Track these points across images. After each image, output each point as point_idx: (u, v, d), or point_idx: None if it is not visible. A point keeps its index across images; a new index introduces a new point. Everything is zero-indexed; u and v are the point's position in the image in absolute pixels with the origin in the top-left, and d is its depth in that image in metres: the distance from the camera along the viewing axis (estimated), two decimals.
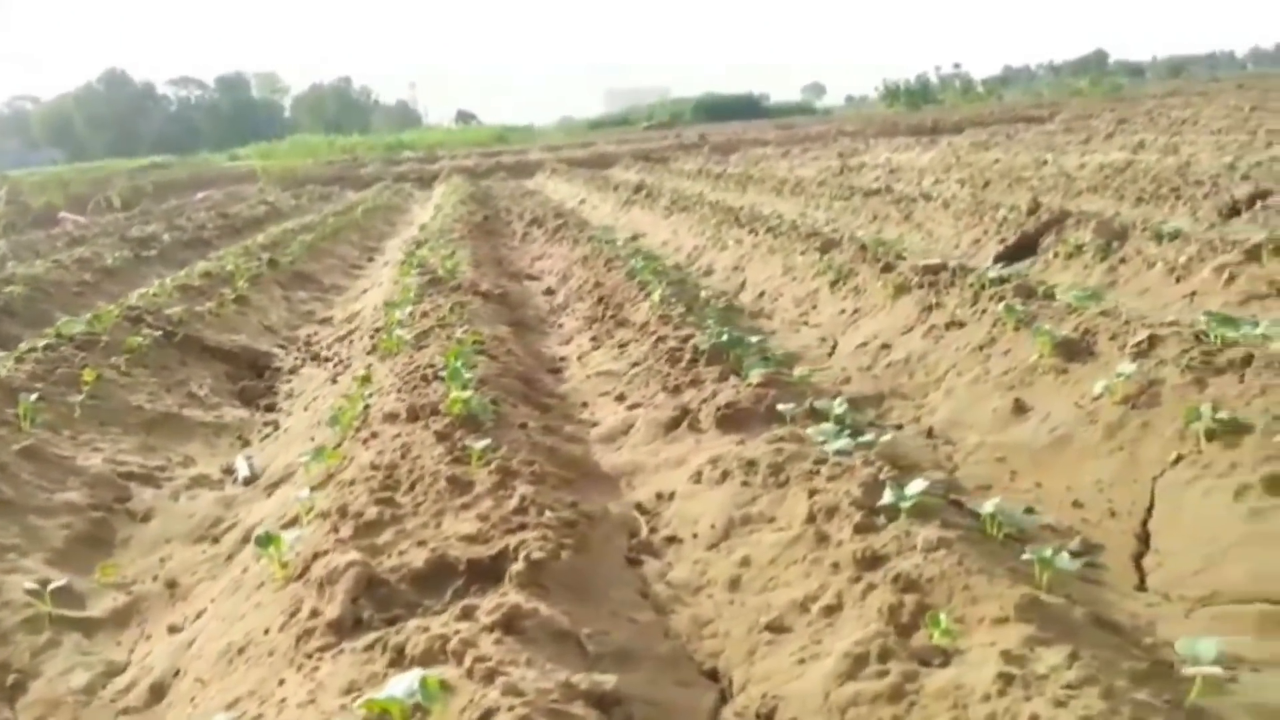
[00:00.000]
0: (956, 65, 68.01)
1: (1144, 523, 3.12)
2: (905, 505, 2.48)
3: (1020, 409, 4.03)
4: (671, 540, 2.76)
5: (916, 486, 2.53)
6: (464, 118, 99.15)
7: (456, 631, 1.84)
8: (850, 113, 64.04)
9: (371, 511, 2.61)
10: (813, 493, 2.67)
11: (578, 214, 14.97)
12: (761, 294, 7.58)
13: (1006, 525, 2.57)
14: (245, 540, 3.37)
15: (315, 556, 2.38)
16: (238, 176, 32.97)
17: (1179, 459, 3.24)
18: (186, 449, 4.65)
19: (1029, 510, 3.33)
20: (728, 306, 7.14)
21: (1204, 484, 3.06)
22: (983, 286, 5.22)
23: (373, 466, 2.96)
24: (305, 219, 14.85)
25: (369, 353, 4.97)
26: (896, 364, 5.08)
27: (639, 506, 3.04)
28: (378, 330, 5.57)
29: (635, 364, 4.59)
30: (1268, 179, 9.67)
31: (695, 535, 2.75)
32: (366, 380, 4.19)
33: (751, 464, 2.99)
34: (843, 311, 6.22)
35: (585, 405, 4.37)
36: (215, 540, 3.58)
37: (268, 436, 4.86)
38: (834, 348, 5.77)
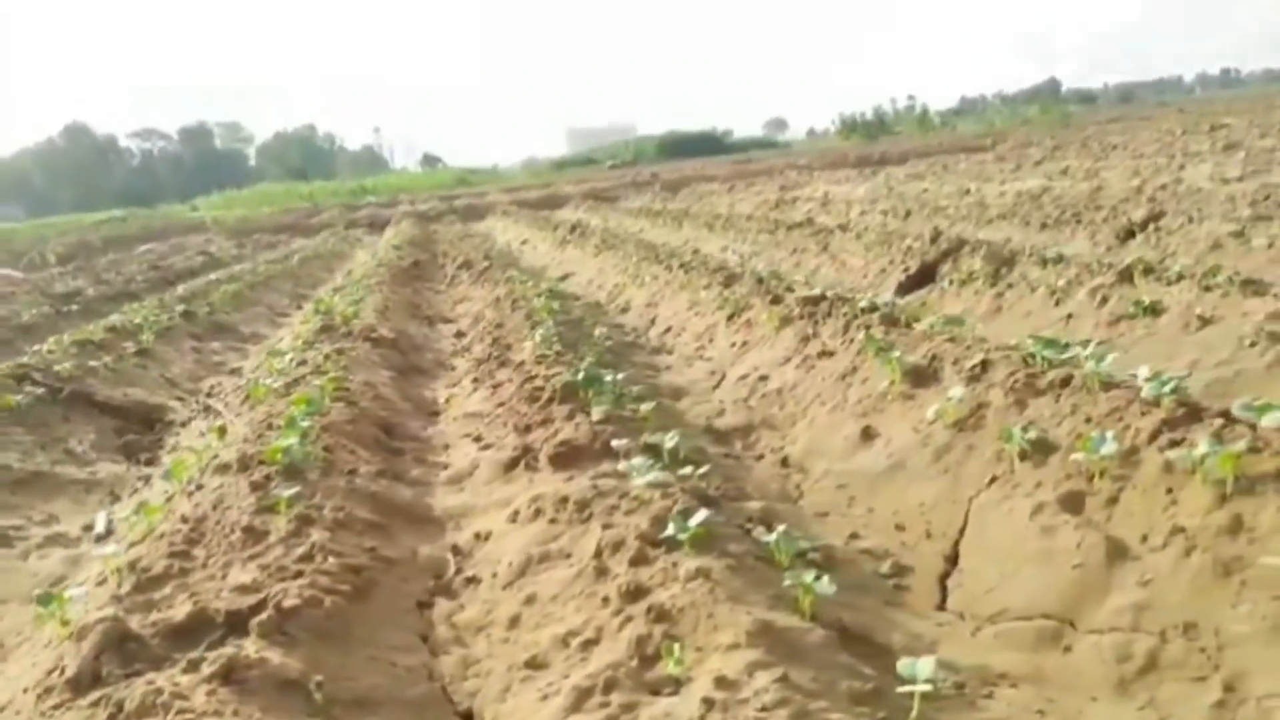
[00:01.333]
0: (910, 97, 69.10)
1: (955, 543, 3.17)
2: (684, 536, 2.51)
3: (868, 436, 4.10)
4: (471, 581, 2.77)
5: (698, 518, 2.57)
6: (429, 161, 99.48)
7: (175, 685, 1.84)
8: (807, 146, 65.06)
9: (160, 566, 2.60)
10: (606, 527, 2.70)
11: (516, 255, 15.06)
12: (668, 329, 7.65)
13: (788, 550, 2.60)
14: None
15: (86, 626, 2.36)
16: (189, 228, 32.86)
17: (993, 479, 3.31)
18: (52, 507, 4.60)
19: (853, 535, 3.40)
20: (631, 343, 7.21)
21: (1010, 503, 3.13)
22: (855, 316, 5.31)
23: (183, 519, 2.95)
24: (242, 268, 14.81)
25: (243, 402, 4.96)
26: (770, 395, 5.14)
27: (454, 548, 3.05)
28: (266, 378, 5.56)
29: (501, 404, 4.61)
30: (1171, 201, 9.95)
31: (494, 575, 2.76)
32: (222, 432, 4.18)
33: (564, 501, 3.02)
34: (734, 344, 6.29)
35: (447, 448, 4.38)
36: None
37: (137, 491, 4.81)
38: (720, 380, 5.83)
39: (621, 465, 3.05)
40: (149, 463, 5.40)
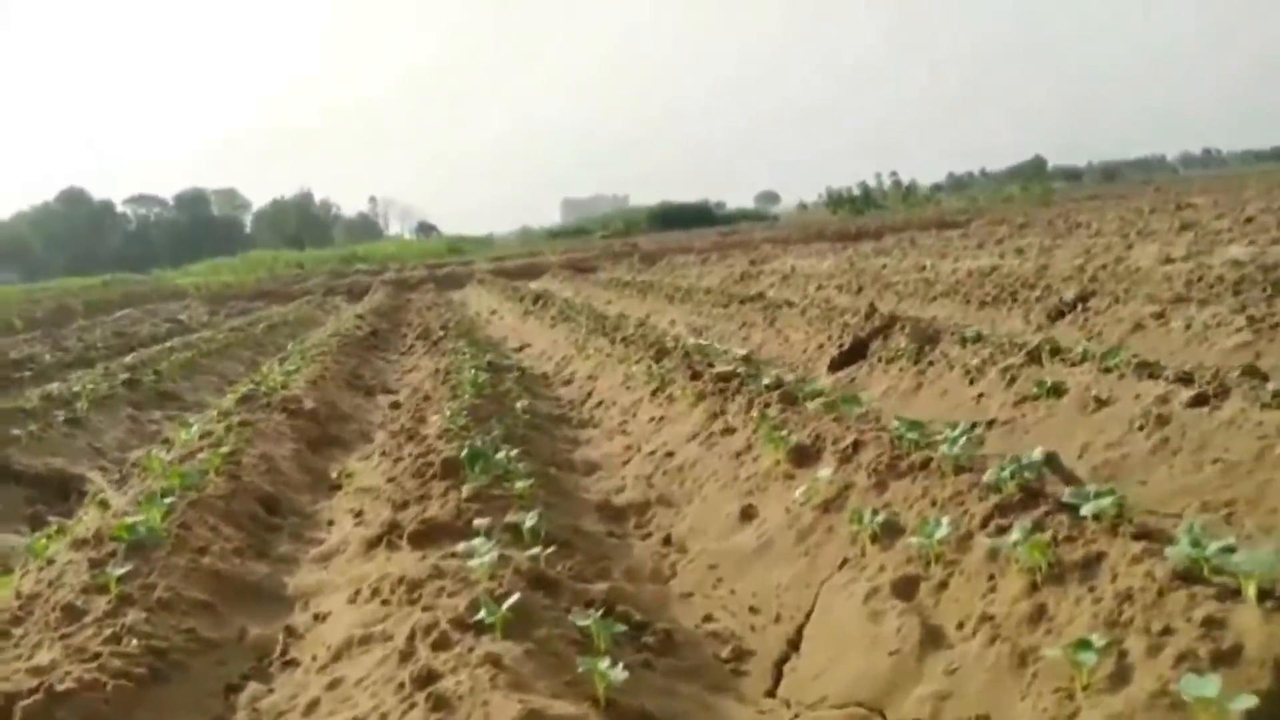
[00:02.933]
0: (893, 173, 70.36)
1: (800, 627, 3.16)
2: (492, 619, 2.51)
3: (748, 515, 4.11)
4: (290, 664, 2.75)
5: (511, 600, 2.56)
6: (425, 229, 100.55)
7: None
8: (794, 219, 66.02)
9: None
10: (426, 609, 2.69)
11: (482, 325, 15.17)
12: (600, 402, 7.68)
13: (604, 634, 2.59)
14: None
15: None
16: (171, 294, 32.97)
17: (844, 562, 3.32)
18: None
19: (707, 618, 3.38)
20: (560, 417, 7.24)
21: (854, 587, 3.13)
22: (759, 393, 5.36)
23: (17, 595, 2.93)
24: (205, 334, 14.86)
25: (140, 473, 4.95)
26: (673, 471, 5.15)
27: (289, 629, 3.03)
28: (169, 447, 5.56)
29: (391, 479, 4.61)
30: (1109, 280, 10.11)
31: (314, 657, 2.74)
32: (104, 506, 4.17)
33: (401, 581, 3.01)
34: (653, 419, 6.32)
35: (330, 524, 4.37)
36: None
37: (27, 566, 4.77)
38: (634, 454, 5.85)
39: (462, 545, 3.05)
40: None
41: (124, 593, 2.79)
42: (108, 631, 2.56)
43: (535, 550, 3.18)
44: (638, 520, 4.66)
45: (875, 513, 3.28)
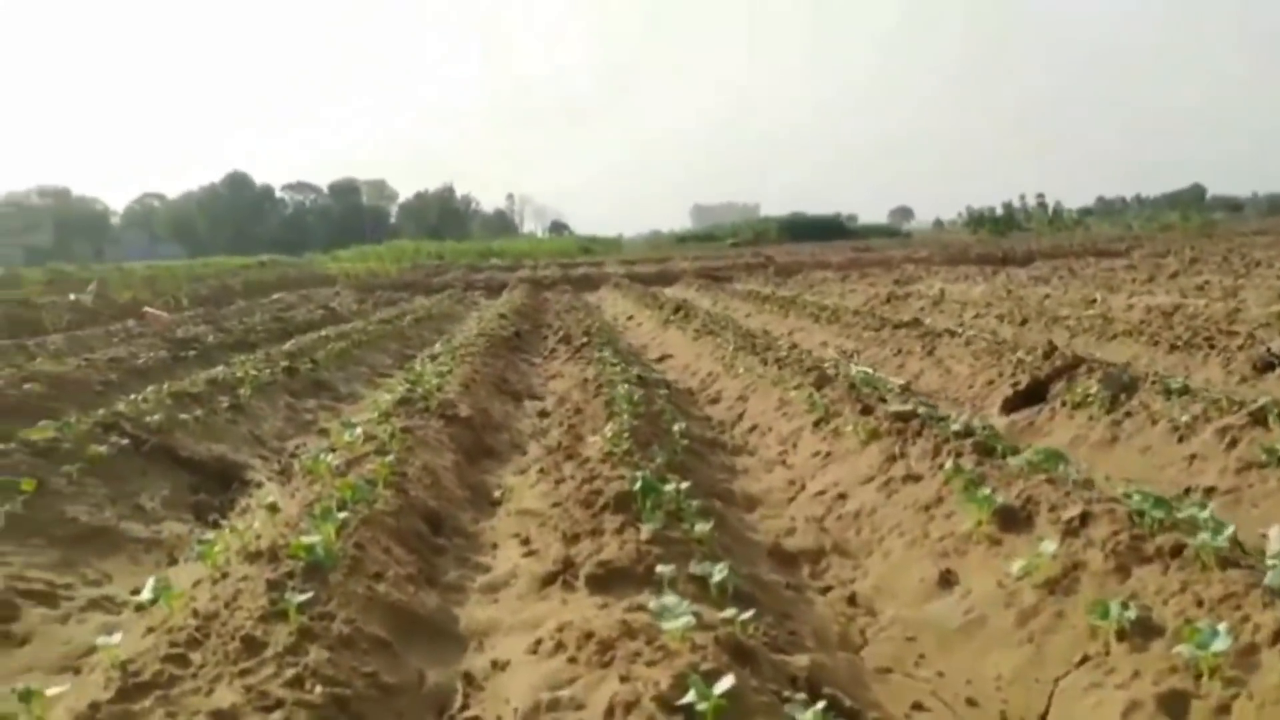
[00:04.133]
0: (1039, 195, 67.33)
1: None
2: (704, 707, 2.22)
3: (946, 582, 3.71)
4: None
5: (724, 685, 2.27)
6: (557, 228, 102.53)
7: None
8: (930, 237, 64.00)
9: (151, 670, 2.46)
10: (624, 680, 2.42)
11: (620, 331, 15.04)
12: (753, 428, 7.35)
13: None
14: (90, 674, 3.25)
15: None
16: (322, 279, 34.35)
17: (1084, 660, 2.89)
18: (107, 565, 4.60)
19: (917, 706, 3.01)
20: (712, 441, 6.94)
21: (1101, 693, 2.71)
22: (946, 439, 4.92)
23: (194, 614, 2.82)
24: (357, 324, 15.24)
25: (304, 475, 4.91)
26: (848, 516, 4.78)
27: (467, 676, 2.82)
28: (331, 449, 5.53)
29: (557, 504, 4.40)
30: None
31: (499, 718, 2.51)
32: (274, 510, 4.10)
33: (588, 637, 2.76)
34: (818, 453, 5.94)
35: (494, 548, 4.19)
36: (76, 672, 3.46)
37: (195, 557, 4.78)
38: (799, 491, 5.49)
39: (653, 604, 2.77)
40: (215, 524, 5.40)
41: (304, 626, 2.63)
42: (289, 672, 2.39)
43: (730, 612, 2.87)
44: (812, 570, 4.31)
45: (1125, 606, 2.84)
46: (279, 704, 2.23)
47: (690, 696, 2.26)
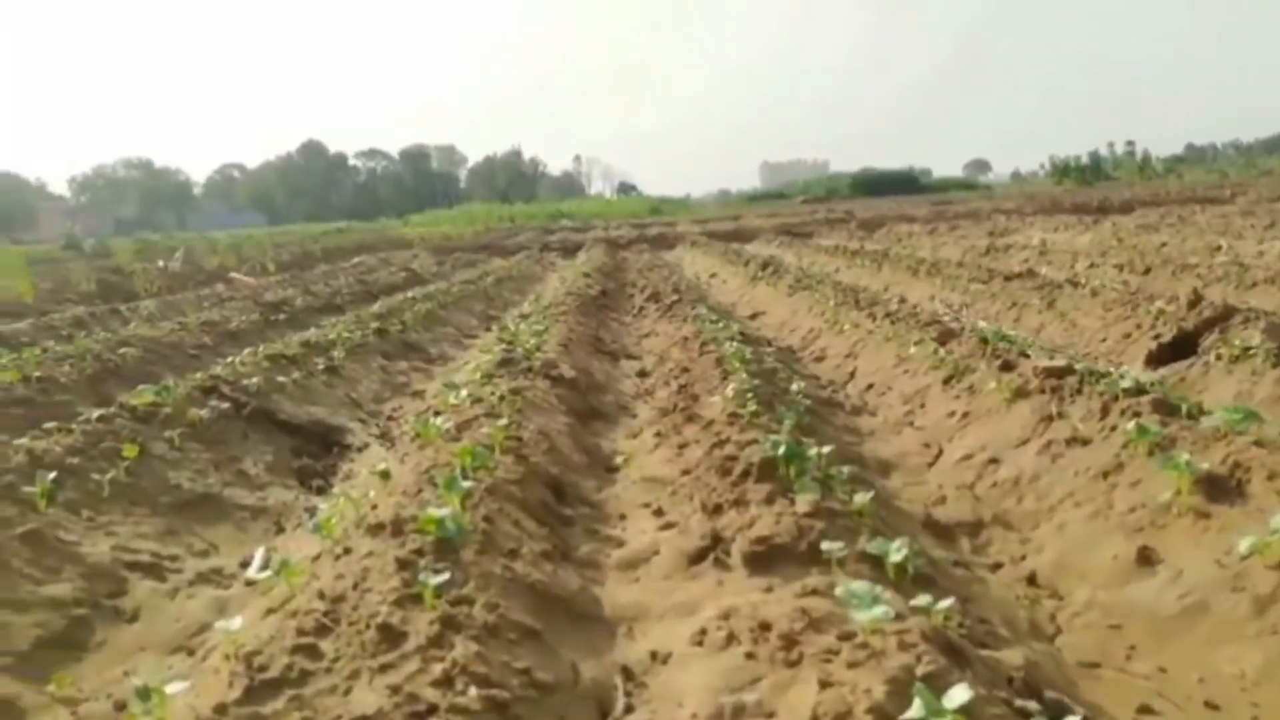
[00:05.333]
0: (1129, 143, 64.18)
1: None
2: None
3: (1146, 560, 3.24)
4: None
5: (959, 696, 1.88)
6: (624, 189, 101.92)
7: None
8: (1012, 189, 61.67)
9: (280, 663, 2.17)
10: (824, 684, 2.04)
11: (704, 289, 14.58)
12: (869, 386, 6.88)
13: None
14: (203, 657, 3.01)
15: None
16: (399, 243, 34.51)
17: None
18: (213, 535, 4.41)
19: (1144, 710, 2.57)
20: (827, 400, 6.49)
21: None
22: (1115, 398, 4.40)
23: (320, 596, 2.53)
24: (439, 285, 15.09)
25: (412, 440, 4.64)
26: (1004, 484, 4.32)
27: (625, 670, 2.48)
28: (435, 413, 5.25)
29: (686, 471, 4.03)
30: None
31: None
32: (385, 476, 3.82)
33: (765, 628, 2.39)
34: (952, 414, 5.46)
35: (621, 518, 3.84)
36: (190, 653, 3.24)
37: (300, 526, 4.56)
38: (937, 456, 5.04)
39: (840, 590, 2.38)
40: (320, 490, 5.20)
41: (447, 614, 2.31)
42: (436, 669, 2.08)
43: (923, 599, 2.47)
44: (972, 544, 3.88)
45: None
46: (431, 710, 1.91)
47: (916, 710, 1.87)
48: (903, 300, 9.45)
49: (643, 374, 7.52)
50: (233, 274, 19.72)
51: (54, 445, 4.46)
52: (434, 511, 2.81)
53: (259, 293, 14.28)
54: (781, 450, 3.60)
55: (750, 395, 4.90)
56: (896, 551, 2.79)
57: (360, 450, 6.00)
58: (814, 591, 2.57)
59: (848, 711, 1.93)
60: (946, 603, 2.45)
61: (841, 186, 67.41)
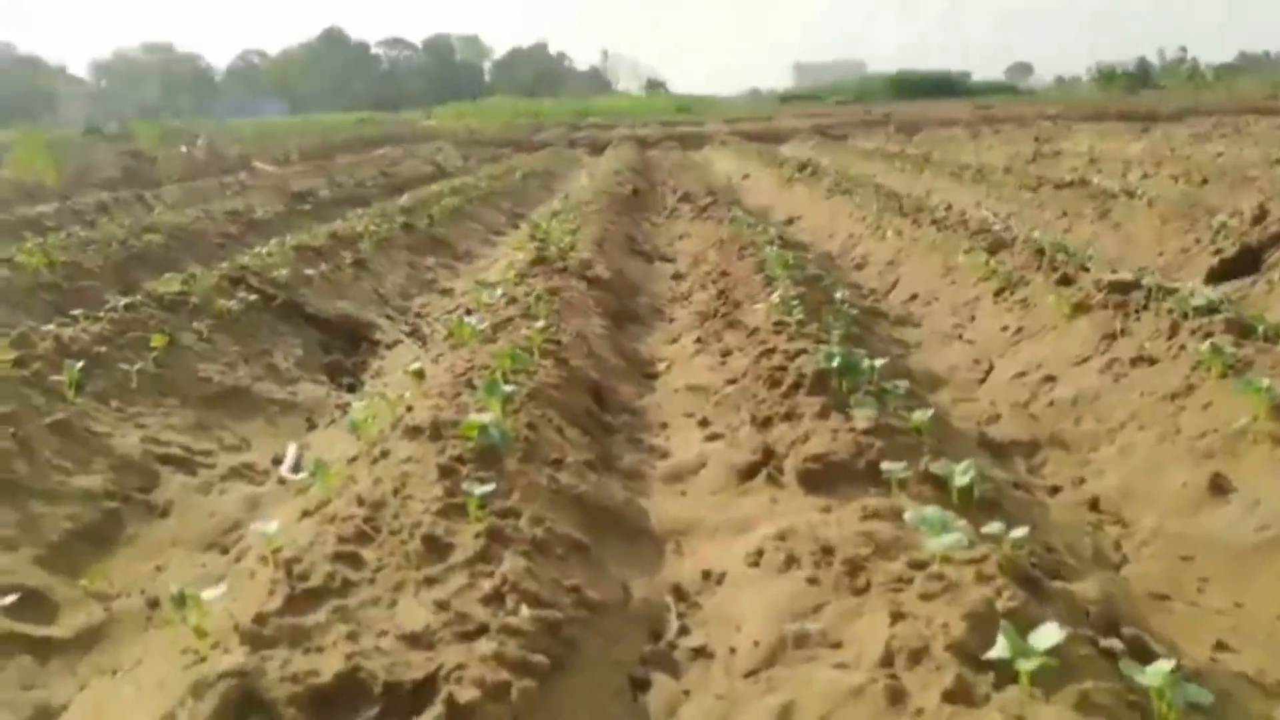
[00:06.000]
0: (1182, 49, 61.50)
1: None
2: (1028, 667, 1.70)
3: (1219, 488, 3.07)
4: (699, 654, 2.07)
5: (1049, 635, 1.74)
6: (652, 86, 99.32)
7: None
8: (1056, 95, 59.57)
9: (321, 572, 2.07)
10: (896, 616, 1.92)
11: (737, 190, 14.19)
12: (914, 296, 6.65)
13: (1172, 704, 1.73)
14: (237, 559, 2.94)
15: (224, 639, 1.86)
16: (423, 135, 33.87)
17: None
18: (244, 429, 4.33)
19: (1219, 646, 2.45)
20: (870, 310, 6.28)
21: None
22: (1185, 315, 4.17)
23: (359, 501, 2.42)
24: (465, 180, 14.79)
25: (445, 339, 4.49)
26: (1062, 403, 4.13)
27: (676, 590, 2.37)
28: (467, 312, 5.10)
29: (731, 380, 3.88)
30: None
31: (733, 651, 2.05)
32: (420, 377, 3.69)
33: (827, 551, 2.26)
34: (1005, 328, 5.25)
35: (664, 427, 3.71)
36: (224, 551, 3.18)
37: (333, 423, 4.47)
38: (988, 371, 4.85)
39: (909, 514, 2.24)
40: (350, 388, 5.10)
41: (493, 526, 2.19)
42: (486, 585, 1.97)
43: (995, 527, 2.31)
44: (1028, 465, 3.73)
45: None
46: (482, 630, 1.80)
47: (1001, 650, 1.74)
48: (949, 208, 9.10)
49: (678, 277, 7.32)
50: (255, 162, 19.44)
51: (81, 333, 4.35)
52: (477, 417, 2.67)
53: (283, 182, 14.04)
54: (835, 362, 3.42)
55: (796, 303, 4.71)
56: (962, 474, 2.64)
57: (389, 347, 5.88)
58: (876, 514, 2.43)
59: (924, 648, 1.80)
60: (1020, 531, 2.30)
61: (877, 88, 65.27)
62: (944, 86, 63.48)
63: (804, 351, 3.80)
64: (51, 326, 4.65)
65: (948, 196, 11.76)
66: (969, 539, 2.20)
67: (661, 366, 4.61)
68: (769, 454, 2.98)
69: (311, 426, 4.50)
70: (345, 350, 5.74)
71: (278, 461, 4.02)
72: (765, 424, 3.24)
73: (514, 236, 10.82)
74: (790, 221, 11.13)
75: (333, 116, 53.97)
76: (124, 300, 4.92)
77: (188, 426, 4.13)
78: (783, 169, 15.23)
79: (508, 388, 3.02)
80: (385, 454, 2.79)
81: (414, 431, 2.93)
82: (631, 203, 11.50)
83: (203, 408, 4.35)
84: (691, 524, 2.75)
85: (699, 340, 4.84)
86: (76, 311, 4.85)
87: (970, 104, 43.36)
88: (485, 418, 2.67)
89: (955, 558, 2.14)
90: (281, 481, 3.70)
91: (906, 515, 2.26)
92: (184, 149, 20.08)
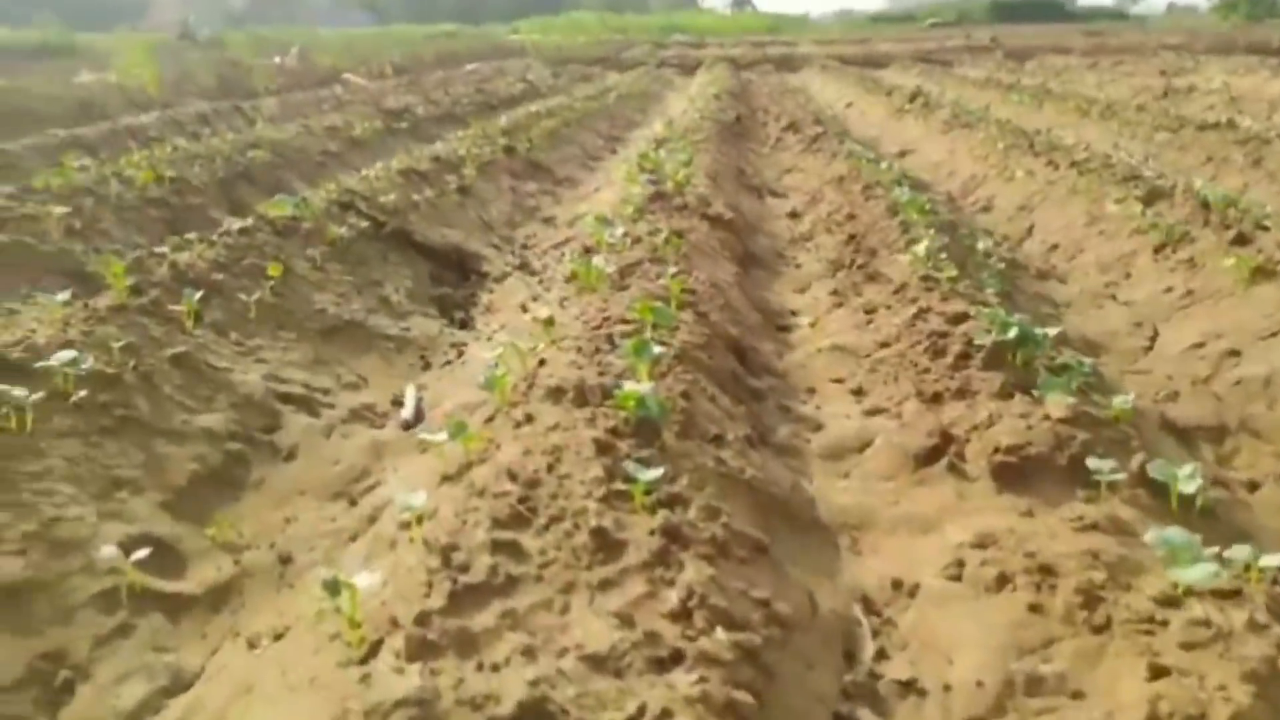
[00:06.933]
0: None
1: None
2: None
3: None
4: (908, 689, 1.82)
5: None
6: (740, 3, 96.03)
7: None
8: (1170, 23, 55.78)
9: (483, 564, 1.87)
10: (1156, 671, 1.63)
11: (842, 119, 13.52)
12: (1054, 247, 6.17)
13: None
14: (372, 519, 2.78)
15: (381, 643, 1.67)
16: (510, 51, 33.30)
17: None
18: (360, 366, 4.17)
19: None
20: (1009, 262, 5.83)
21: None
22: None
23: (510, 475, 2.21)
24: (558, 100, 14.40)
25: (568, 280, 4.25)
26: (1251, 382, 3.71)
27: (865, 602, 2.11)
28: (586, 251, 4.83)
29: (884, 344, 3.55)
30: None
31: (948, 688, 1.79)
32: (549, 325, 3.45)
33: (1046, 571, 1.97)
34: (1169, 290, 4.79)
35: (811, 393, 3.41)
36: (352, 502, 3.03)
37: (449, 364, 4.30)
38: (1153, 339, 4.43)
39: (1149, 536, 1.93)
40: (463, 324, 4.91)
41: (668, 524, 1.96)
42: (671, 597, 1.74)
43: (1242, 551, 2.00)
44: (1215, 453, 3.35)
45: None
46: (677, 657, 1.58)
47: None
48: (1086, 148, 8.44)
49: (794, 215, 6.93)
50: (347, 75, 19.27)
51: (198, 259, 4.21)
52: (633, 387, 2.42)
53: (378, 98, 13.84)
54: (1012, 333, 3.07)
55: (944, 256, 4.33)
56: (1188, 480, 2.31)
57: (498, 280, 5.67)
58: (1095, 526, 2.13)
59: (1200, 715, 1.51)
60: (1274, 560, 1.98)
61: (977, 10, 61.96)
62: (1049, 9, 59.94)
63: (966, 316, 3.46)
64: (165, 249, 4.53)
65: (1074, 134, 10.99)
66: (1217, 568, 1.89)
67: (796, 320, 4.30)
68: (947, 438, 2.68)
69: (426, 365, 4.33)
70: (453, 282, 5.55)
71: (397, 403, 3.86)
72: (934, 400, 2.93)
73: (613, 162, 10.48)
74: (902, 155, 10.54)
75: (418, 28, 53.45)
76: (238, 224, 4.77)
77: (306, 361, 3.99)
78: (891, 98, 14.47)
79: (657, 349, 2.77)
80: (529, 419, 2.57)
81: (555, 393, 2.70)
82: (734, 131, 11.01)
83: (319, 341, 4.20)
84: (865, 516, 2.48)
85: (835, 293, 4.51)
86: (190, 235, 4.72)
87: (1078, 30, 40.83)
88: (642, 388, 2.42)
89: (1207, 590, 1.84)
90: (406, 428, 3.53)
91: (1147, 537, 1.95)
92: (277, 59, 20.00)
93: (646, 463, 2.19)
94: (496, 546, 1.95)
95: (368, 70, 19.67)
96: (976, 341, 3.13)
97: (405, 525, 2.29)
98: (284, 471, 3.23)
